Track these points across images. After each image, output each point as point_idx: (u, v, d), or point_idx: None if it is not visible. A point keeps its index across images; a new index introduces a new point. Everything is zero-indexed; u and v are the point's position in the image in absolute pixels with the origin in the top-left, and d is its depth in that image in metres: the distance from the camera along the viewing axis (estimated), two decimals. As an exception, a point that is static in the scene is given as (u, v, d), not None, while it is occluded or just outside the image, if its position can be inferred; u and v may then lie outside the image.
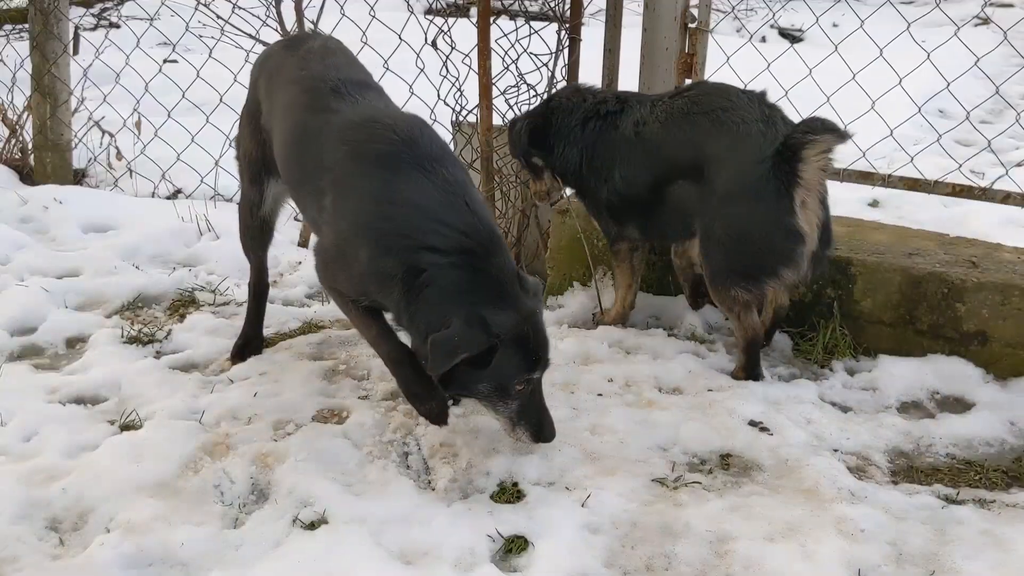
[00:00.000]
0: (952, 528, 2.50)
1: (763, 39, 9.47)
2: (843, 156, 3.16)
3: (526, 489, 2.59)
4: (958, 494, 2.70)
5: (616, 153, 3.27)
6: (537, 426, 2.59)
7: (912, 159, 3.83)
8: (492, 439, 2.76)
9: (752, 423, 2.98)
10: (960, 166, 3.86)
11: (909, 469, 2.85)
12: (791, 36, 9.33)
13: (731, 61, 3.72)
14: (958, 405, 3.19)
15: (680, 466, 2.75)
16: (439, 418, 2.68)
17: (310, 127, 2.77)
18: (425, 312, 2.49)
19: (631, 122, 3.24)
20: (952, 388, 3.25)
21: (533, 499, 2.54)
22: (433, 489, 2.60)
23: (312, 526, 2.43)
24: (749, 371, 3.19)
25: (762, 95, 3.12)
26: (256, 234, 3.29)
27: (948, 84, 3.86)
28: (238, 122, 3.33)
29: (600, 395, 3.09)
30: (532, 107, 3.59)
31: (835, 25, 9.04)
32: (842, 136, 2.87)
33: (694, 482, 2.67)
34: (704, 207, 3.08)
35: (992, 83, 4.17)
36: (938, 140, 4.14)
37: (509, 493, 2.59)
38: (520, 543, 2.40)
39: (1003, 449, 2.96)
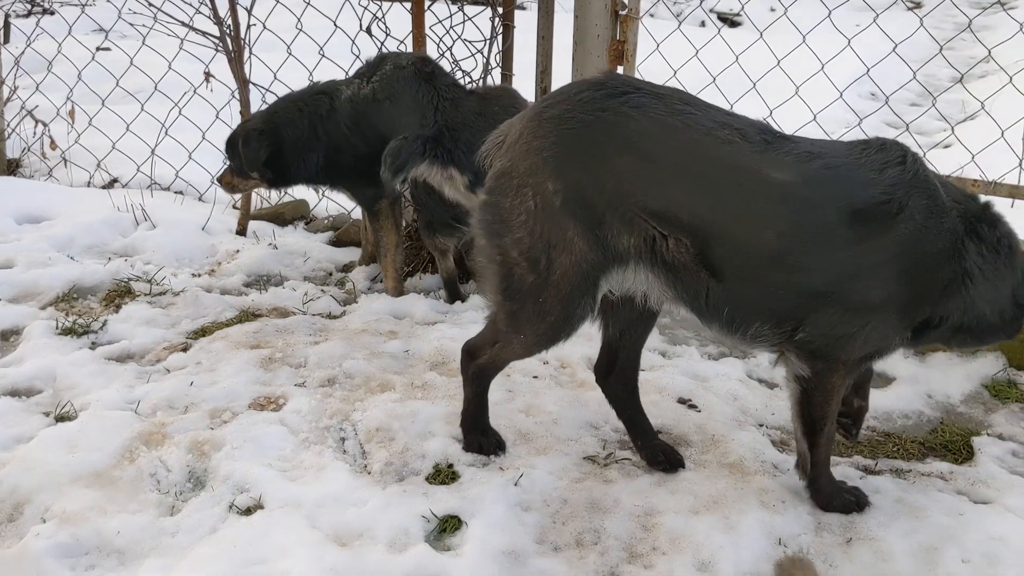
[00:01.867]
0: (869, 497, 2.61)
1: (702, 23, 9.59)
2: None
3: (461, 470, 2.65)
4: (876, 465, 2.82)
5: (341, 130, 3.60)
6: None
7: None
8: (428, 423, 2.82)
9: (681, 400, 3.08)
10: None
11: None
12: (729, 20, 9.45)
13: (669, 46, 3.78)
14: (880, 380, 3.30)
15: (611, 444, 2.83)
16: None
17: (807, 188, 2.31)
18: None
19: (346, 102, 3.61)
20: (876, 365, 3.37)
21: (467, 480, 2.60)
22: (369, 473, 2.65)
23: (248, 511, 2.47)
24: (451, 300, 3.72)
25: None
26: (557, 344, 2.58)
27: (868, 69, 3.98)
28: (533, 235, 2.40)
29: (535, 377, 3.15)
30: (252, 122, 3.74)
31: (772, 9, 9.20)
32: None
33: (624, 459, 2.75)
34: None
35: (909, 68, 4.29)
36: (859, 124, 4.25)
37: (444, 475, 2.65)
38: (454, 522, 2.46)
39: (920, 421, 3.09)
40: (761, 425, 2.96)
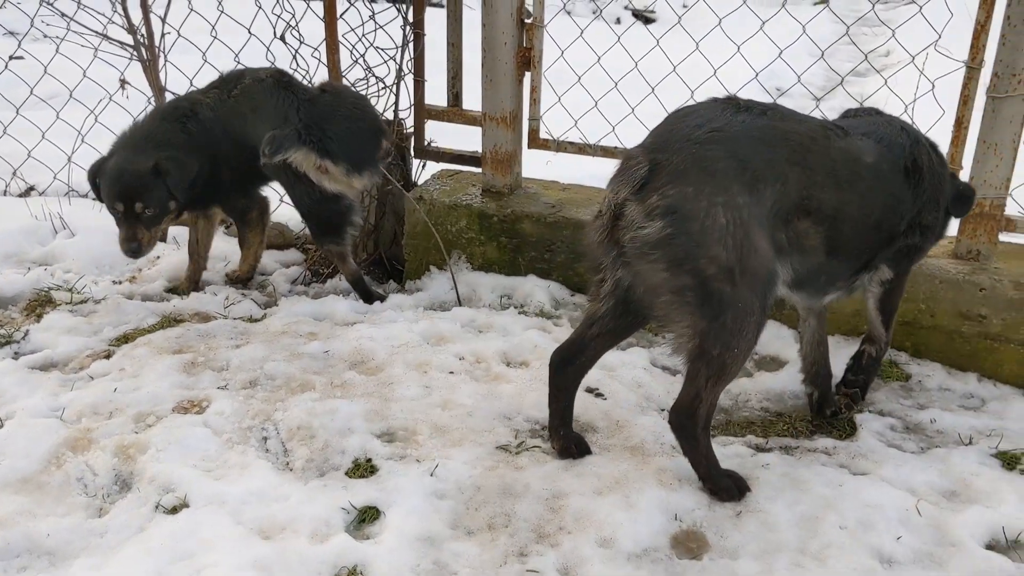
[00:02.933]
0: (758, 472, 2.83)
1: (618, 20, 9.84)
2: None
3: (379, 464, 2.80)
4: (767, 442, 3.05)
5: (216, 140, 3.67)
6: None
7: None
8: (348, 420, 2.95)
9: (589, 389, 3.26)
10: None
11: (727, 423, 3.19)
12: (644, 17, 9.70)
13: (583, 43, 3.95)
14: (773, 364, 3.55)
15: (522, 433, 3.00)
16: None
17: (886, 165, 2.86)
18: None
19: (209, 112, 3.68)
20: (768, 349, 3.61)
21: (385, 472, 2.75)
22: (291, 469, 2.78)
23: (174, 510, 2.58)
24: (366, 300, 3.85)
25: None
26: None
27: (770, 63, 4.17)
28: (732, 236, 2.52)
29: (452, 372, 3.30)
30: (137, 157, 3.59)
31: (685, 6, 9.46)
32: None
33: (534, 446, 2.93)
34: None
35: (787, 68, 4.53)
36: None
37: (363, 468, 2.79)
38: (372, 513, 2.61)
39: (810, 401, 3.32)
40: (662, 410, 3.16)
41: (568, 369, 2.86)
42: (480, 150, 4.05)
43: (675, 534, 2.59)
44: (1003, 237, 3.47)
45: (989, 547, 2.60)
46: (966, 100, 3.34)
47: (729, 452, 2.95)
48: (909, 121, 3.12)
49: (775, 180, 2.55)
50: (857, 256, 2.85)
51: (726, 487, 2.71)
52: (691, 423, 2.68)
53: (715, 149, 2.51)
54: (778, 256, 2.62)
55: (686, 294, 2.52)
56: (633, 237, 2.53)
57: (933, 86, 3.52)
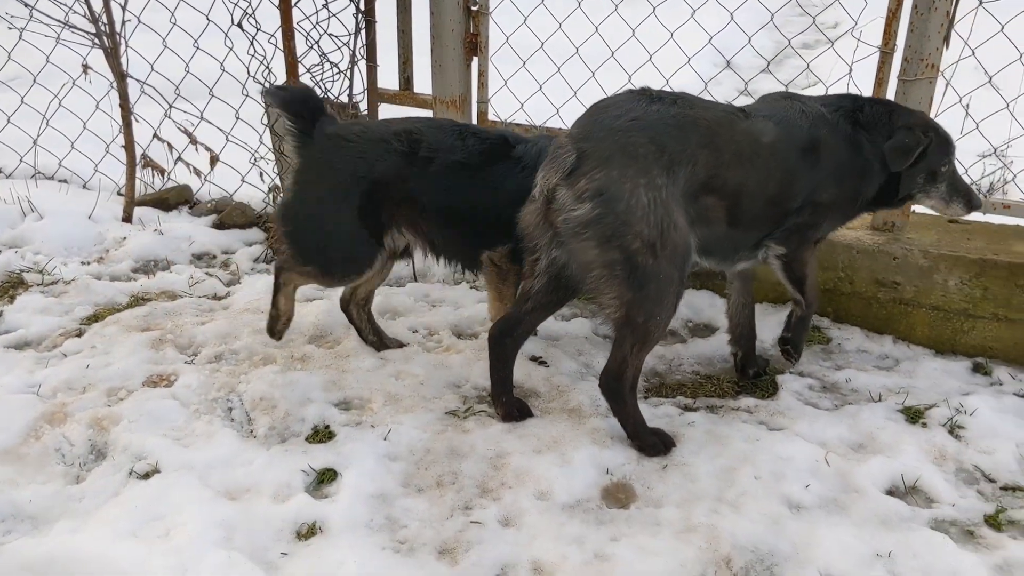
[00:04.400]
0: (684, 430, 3.10)
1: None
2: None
3: (336, 430, 3.03)
4: (695, 402, 3.31)
5: None
6: (965, 194, 3.21)
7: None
8: (307, 390, 3.18)
9: (533, 358, 3.50)
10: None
11: (661, 386, 3.45)
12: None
13: (533, 21, 4.13)
14: (706, 330, 3.81)
15: (470, 399, 3.25)
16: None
17: (789, 146, 3.04)
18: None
19: None
20: (702, 317, 3.88)
21: (342, 438, 2.98)
22: (254, 436, 3.01)
23: (146, 476, 2.80)
24: None
25: None
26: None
27: (710, 39, 4.37)
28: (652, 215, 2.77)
29: (407, 344, 3.53)
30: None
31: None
32: None
33: (481, 411, 3.17)
34: None
35: (738, 40, 4.74)
36: (705, 87, 4.67)
37: (322, 434, 3.02)
38: (330, 475, 2.84)
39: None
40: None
41: (506, 341, 3.10)
42: (431, 132, 4.25)
43: (606, 486, 2.85)
44: (917, 208, 3.73)
45: (889, 493, 2.88)
46: (880, 83, 3.58)
47: (660, 412, 3.21)
48: (844, 99, 3.21)
49: (688, 162, 2.80)
50: (757, 228, 3.08)
51: (652, 443, 2.97)
52: (619, 385, 2.94)
53: (636, 136, 2.76)
54: (690, 228, 2.86)
55: (615, 268, 2.77)
56: (566, 219, 2.77)
57: (851, 70, 3.77)
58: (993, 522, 2.79)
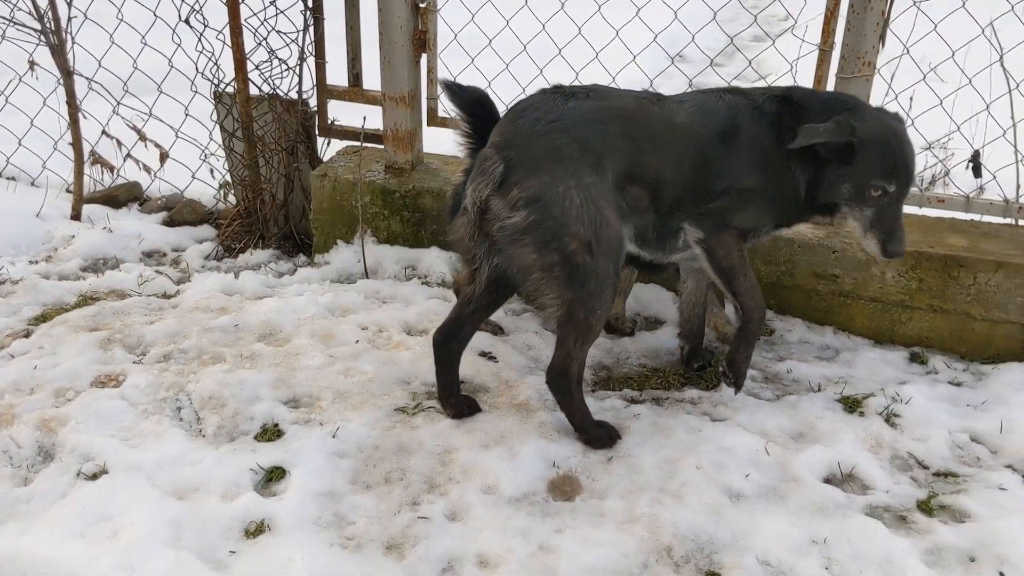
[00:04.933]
0: (630, 422, 3.16)
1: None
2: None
3: (285, 428, 3.05)
4: (641, 395, 3.38)
5: None
6: (888, 235, 2.97)
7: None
8: (256, 389, 3.20)
9: (483, 353, 3.54)
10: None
11: (608, 379, 3.51)
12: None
13: (483, 18, 4.17)
14: (654, 324, 3.88)
15: (419, 395, 3.28)
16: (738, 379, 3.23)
17: (708, 133, 3.00)
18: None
19: None
20: (650, 311, 3.95)
21: (290, 436, 3.01)
22: (203, 436, 3.02)
23: (94, 477, 2.81)
24: None
25: None
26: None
27: (655, 37, 4.44)
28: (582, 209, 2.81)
29: (357, 342, 3.56)
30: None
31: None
32: None
33: (430, 407, 3.21)
34: None
35: (688, 33, 4.81)
36: (651, 83, 4.76)
37: (270, 433, 3.05)
38: (279, 472, 2.87)
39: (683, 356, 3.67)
40: (549, 369, 3.47)
41: (451, 345, 3.15)
42: (382, 128, 4.27)
43: (552, 479, 2.91)
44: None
45: (826, 481, 2.97)
46: (819, 80, 3.67)
47: (607, 405, 3.28)
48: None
49: (612, 154, 2.84)
50: (682, 213, 3.03)
51: (598, 436, 3.03)
52: (565, 380, 3.00)
53: (559, 138, 2.80)
54: (622, 220, 2.90)
55: (554, 270, 2.83)
56: (501, 227, 2.83)
57: (792, 67, 3.85)
58: (925, 507, 2.89)
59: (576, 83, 3.14)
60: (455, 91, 3.04)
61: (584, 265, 2.82)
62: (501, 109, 4.21)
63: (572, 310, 2.87)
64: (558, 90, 2.94)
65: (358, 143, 4.41)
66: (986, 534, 2.75)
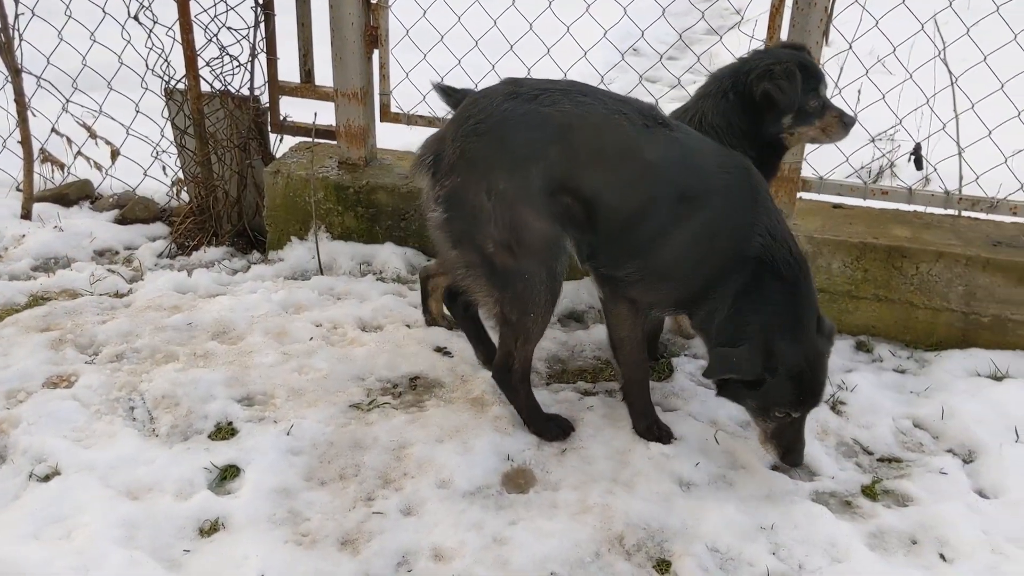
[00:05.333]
0: (583, 414, 3.20)
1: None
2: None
3: (239, 426, 3.06)
4: (595, 387, 3.43)
5: None
6: (787, 449, 2.86)
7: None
8: (210, 387, 3.20)
9: (438, 349, 3.57)
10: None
11: (562, 372, 3.55)
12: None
13: (435, 13, 4.17)
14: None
15: (374, 392, 3.30)
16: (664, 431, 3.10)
17: (666, 163, 2.81)
18: (734, 323, 2.79)
19: None
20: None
21: (244, 434, 3.02)
22: (157, 435, 3.02)
23: (47, 478, 2.80)
24: None
25: None
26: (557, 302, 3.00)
27: (604, 33, 4.47)
28: (507, 215, 2.78)
29: (311, 339, 3.56)
30: None
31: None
32: None
33: (385, 403, 3.23)
34: None
35: (644, 26, 4.86)
36: (601, 79, 4.78)
37: (224, 431, 3.05)
38: (233, 471, 2.88)
39: (635, 348, 3.71)
40: (503, 363, 3.50)
41: (459, 299, 3.25)
42: (335, 124, 4.27)
43: (506, 472, 2.95)
44: (803, 195, 3.90)
45: (774, 468, 3.03)
46: (766, 75, 3.72)
47: (560, 398, 3.32)
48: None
49: (539, 159, 2.74)
50: (601, 254, 2.91)
51: (548, 429, 3.08)
52: (509, 377, 3.05)
53: (477, 141, 2.79)
54: (562, 227, 2.83)
55: (476, 268, 2.88)
56: (429, 218, 2.90)
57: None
58: (869, 492, 2.98)
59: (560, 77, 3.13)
60: (449, 94, 3.05)
61: (507, 267, 2.83)
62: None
63: (504, 310, 2.91)
64: (509, 85, 2.90)
65: (311, 139, 4.40)
66: (927, 517, 2.84)
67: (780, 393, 2.76)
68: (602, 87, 3.05)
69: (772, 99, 3.08)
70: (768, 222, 2.81)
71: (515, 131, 2.78)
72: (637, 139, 2.79)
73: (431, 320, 3.66)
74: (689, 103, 3.28)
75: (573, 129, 2.78)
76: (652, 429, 3.09)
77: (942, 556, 2.72)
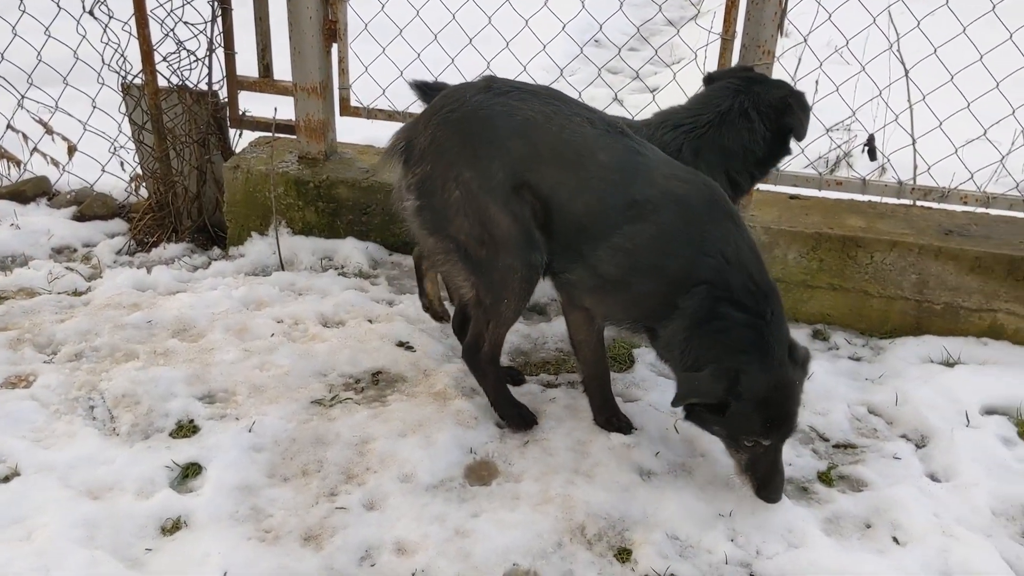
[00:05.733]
0: (545, 406, 3.24)
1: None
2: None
3: (201, 424, 3.05)
4: (557, 379, 3.46)
5: None
6: (762, 482, 2.75)
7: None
8: (170, 385, 3.19)
9: (400, 343, 3.58)
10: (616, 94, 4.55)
11: (525, 364, 3.57)
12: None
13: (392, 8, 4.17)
14: (568, 308, 3.95)
15: (336, 387, 3.31)
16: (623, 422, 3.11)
17: (621, 168, 2.75)
18: (697, 352, 2.70)
19: None
20: (565, 294, 4.02)
21: (206, 431, 3.01)
22: (117, 434, 3.00)
23: (6, 479, 2.78)
24: None
25: None
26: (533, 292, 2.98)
27: (563, 26, 4.48)
28: (473, 206, 2.81)
29: (272, 335, 3.56)
30: None
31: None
32: None
33: (347, 399, 3.24)
34: None
35: (603, 18, 4.88)
36: (561, 72, 4.79)
37: (186, 429, 3.04)
38: (195, 469, 2.88)
39: (597, 340, 3.75)
40: (466, 357, 3.51)
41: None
42: (294, 119, 4.26)
43: (469, 465, 2.97)
44: (760, 185, 3.95)
45: (733, 456, 3.08)
46: (723, 68, 3.77)
47: (523, 390, 3.34)
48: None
49: (500, 155, 2.76)
50: (559, 258, 2.89)
51: (511, 416, 3.12)
52: (477, 358, 3.09)
53: (444, 131, 2.83)
54: (528, 221, 2.81)
55: (452, 254, 2.91)
56: (403, 207, 2.92)
57: (696, 56, 3.95)
58: (825, 478, 3.04)
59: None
60: (424, 91, 3.08)
61: (480, 258, 2.86)
62: (409, 97, 4.25)
63: (480, 294, 2.95)
64: (484, 81, 2.91)
65: (271, 134, 4.39)
66: (881, 501, 2.91)
67: (746, 420, 2.66)
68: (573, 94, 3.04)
69: (793, 131, 3.16)
70: (723, 245, 2.68)
71: (480, 122, 2.80)
72: (595, 141, 2.78)
73: (427, 304, 3.59)
74: (683, 118, 3.19)
75: (536, 126, 2.78)
76: (612, 421, 3.13)
77: (895, 539, 2.79)
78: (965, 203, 3.79)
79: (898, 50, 4.00)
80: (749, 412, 2.64)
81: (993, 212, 3.88)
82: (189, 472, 2.86)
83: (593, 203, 2.76)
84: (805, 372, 2.78)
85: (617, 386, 3.40)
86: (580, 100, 2.98)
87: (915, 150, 3.98)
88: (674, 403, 2.72)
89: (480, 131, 2.80)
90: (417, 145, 2.87)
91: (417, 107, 4.19)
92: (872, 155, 4.01)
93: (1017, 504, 2.92)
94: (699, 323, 2.68)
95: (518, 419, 3.12)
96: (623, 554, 2.69)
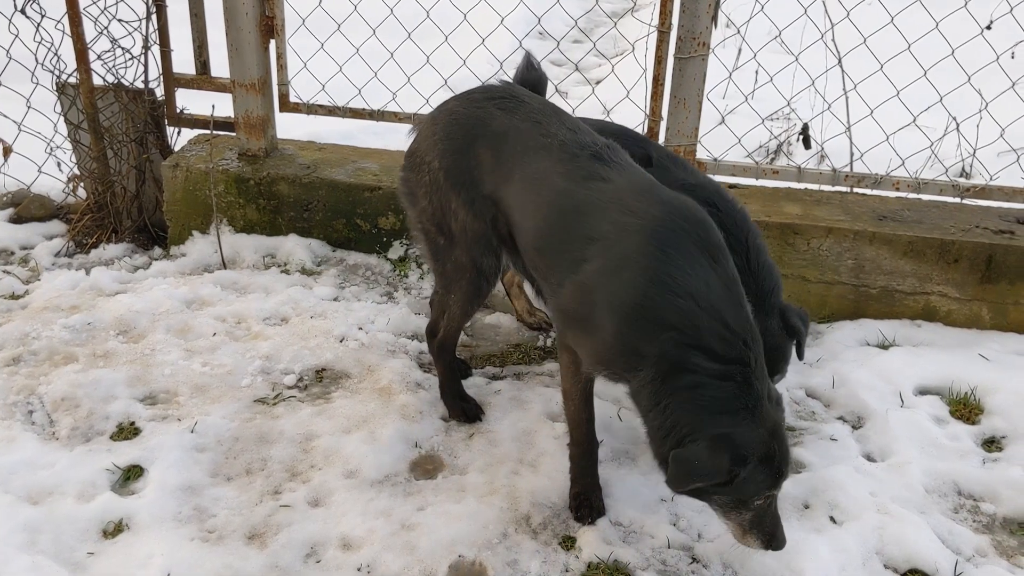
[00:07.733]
0: (491, 398, 3.26)
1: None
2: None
3: (142, 426, 3.03)
4: (503, 371, 3.48)
5: None
6: (769, 535, 2.48)
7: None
8: (111, 387, 3.15)
9: (344, 340, 3.58)
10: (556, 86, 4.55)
11: (471, 357, 3.58)
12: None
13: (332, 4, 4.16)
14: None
15: (280, 385, 3.29)
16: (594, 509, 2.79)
17: (576, 196, 2.54)
18: (674, 415, 2.38)
19: None
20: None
21: (148, 433, 2.99)
22: (57, 438, 2.97)
23: (-58, 489, 2.74)
24: None
25: None
26: (484, 297, 2.98)
27: (500, 21, 4.50)
28: (420, 195, 2.90)
29: (215, 334, 3.53)
30: None
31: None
32: None
33: (291, 396, 3.24)
34: None
35: (554, 10, 4.91)
36: (500, 65, 4.81)
37: (127, 431, 3.02)
38: (137, 471, 2.86)
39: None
40: (415, 352, 3.51)
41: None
42: (233, 116, 4.22)
43: (415, 459, 2.99)
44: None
45: (675, 442, 3.13)
46: (660, 60, 3.81)
47: (469, 383, 3.36)
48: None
49: (463, 153, 2.81)
50: (533, 271, 2.82)
51: (455, 407, 3.17)
52: (434, 340, 3.18)
53: (429, 126, 2.96)
54: (492, 229, 2.80)
55: (420, 233, 3.02)
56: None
57: (633, 48, 3.99)
58: (765, 461, 3.09)
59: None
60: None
61: (438, 245, 2.95)
62: (349, 92, 4.24)
63: (438, 282, 3.07)
64: (487, 88, 2.94)
65: (210, 131, 4.34)
66: (818, 481, 2.97)
67: (756, 480, 2.38)
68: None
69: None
70: (694, 284, 2.36)
71: (450, 124, 2.89)
72: (557, 166, 2.60)
73: (518, 318, 3.78)
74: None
75: (503, 139, 2.73)
76: (583, 504, 2.80)
77: (832, 519, 2.85)
78: (897, 189, 3.88)
79: (832, 39, 4.07)
80: (756, 472, 2.37)
81: (925, 198, 3.98)
82: (131, 474, 2.84)
83: (543, 228, 2.60)
84: (783, 412, 2.51)
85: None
86: (574, 117, 2.82)
87: (850, 138, 4.07)
88: (671, 486, 2.45)
89: (456, 134, 2.86)
90: (418, 132, 3.02)
91: (357, 102, 4.22)
92: (807, 143, 4.09)
93: (948, 481, 3.01)
94: (667, 376, 2.38)
95: (459, 412, 3.16)
96: (567, 542, 2.72)
